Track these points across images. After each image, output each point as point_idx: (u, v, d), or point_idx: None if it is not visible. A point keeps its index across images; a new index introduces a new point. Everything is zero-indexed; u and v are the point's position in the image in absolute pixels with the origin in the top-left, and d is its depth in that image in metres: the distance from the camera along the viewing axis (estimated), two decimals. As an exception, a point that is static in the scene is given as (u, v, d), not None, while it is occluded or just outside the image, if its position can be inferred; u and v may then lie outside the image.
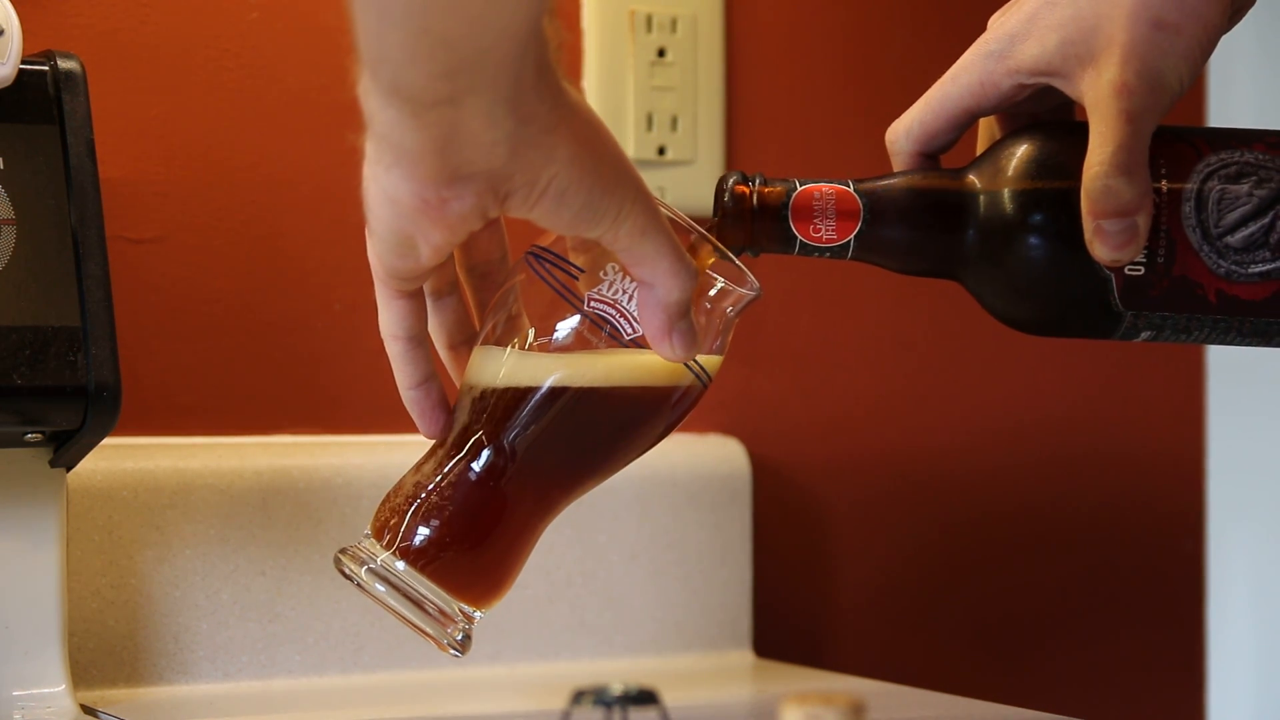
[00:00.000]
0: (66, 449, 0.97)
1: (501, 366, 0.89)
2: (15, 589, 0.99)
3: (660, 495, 1.19)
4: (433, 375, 0.89)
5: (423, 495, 0.89)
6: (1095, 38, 0.84)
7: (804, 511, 1.30)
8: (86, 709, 1.00)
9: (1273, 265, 0.86)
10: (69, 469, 1.00)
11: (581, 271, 0.86)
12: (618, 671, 1.11)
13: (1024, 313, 0.89)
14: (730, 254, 0.86)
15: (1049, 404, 1.40)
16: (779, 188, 0.87)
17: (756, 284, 0.87)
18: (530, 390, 0.88)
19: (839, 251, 0.88)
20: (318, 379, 1.15)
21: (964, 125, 0.90)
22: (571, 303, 0.86)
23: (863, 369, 1.33)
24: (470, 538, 0.90)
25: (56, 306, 0.94)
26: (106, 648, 1.06)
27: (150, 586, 1.07)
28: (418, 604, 0.88)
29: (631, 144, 1.24)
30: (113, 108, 1.09)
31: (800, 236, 0.87)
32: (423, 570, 0.89)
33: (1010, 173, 0.87)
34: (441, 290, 0.88)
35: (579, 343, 0.88)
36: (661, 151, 1.25)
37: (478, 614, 0.91)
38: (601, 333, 0.87)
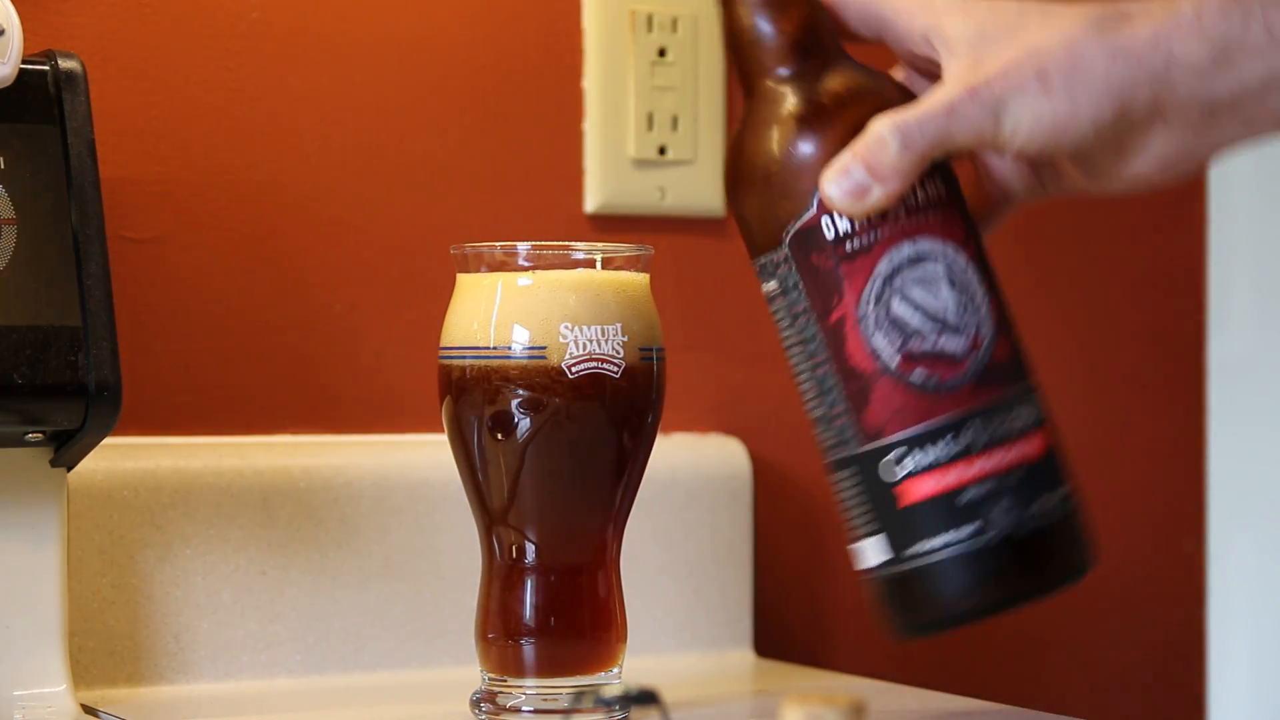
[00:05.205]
0: (67, 449, 0.97)
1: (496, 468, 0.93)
2: (16, 589, 0.99)
3: (660, 495, 1.19)
4: None
5: (501, 612, 0.94)
6: (1003, 38, 0.85)
7: (804, 511, 1.30)
8: (87, 709, 1.00)
9: (894, 345, 0.87)
10: (69, 469, 1.00)
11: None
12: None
13: (733, 182, 0.90)
14: None
15: (1049, 403, 1.40)
16: None
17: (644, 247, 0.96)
18: (516, 458, 0.92)
19: None
20: (318, 379, 1.15)
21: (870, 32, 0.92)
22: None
23: (863, 369, 1.33)
24: (561, 616, 0.94)
25: (57, 306, 0.94)
26: (107, 647, 1.06)
27: (151, 586, 1.07)
28: (570, 710, 0.91)
29: (632, 144, 1.24)
30: (113, 108, 1.09)
31: None
32: (551, 673, 0.93)
33: (832, 84, 0.89)
34: None
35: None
36: (662, 151, 1.25)
37: (616, 669, 0.95)
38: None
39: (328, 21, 1.16)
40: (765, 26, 0.89)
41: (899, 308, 0.86)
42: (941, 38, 0.87)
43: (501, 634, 0.94)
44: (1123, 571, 1.43)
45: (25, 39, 0.94)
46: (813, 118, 0.88)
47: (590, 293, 0.92)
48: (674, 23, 1.25)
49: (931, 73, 0.89)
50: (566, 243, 0.94)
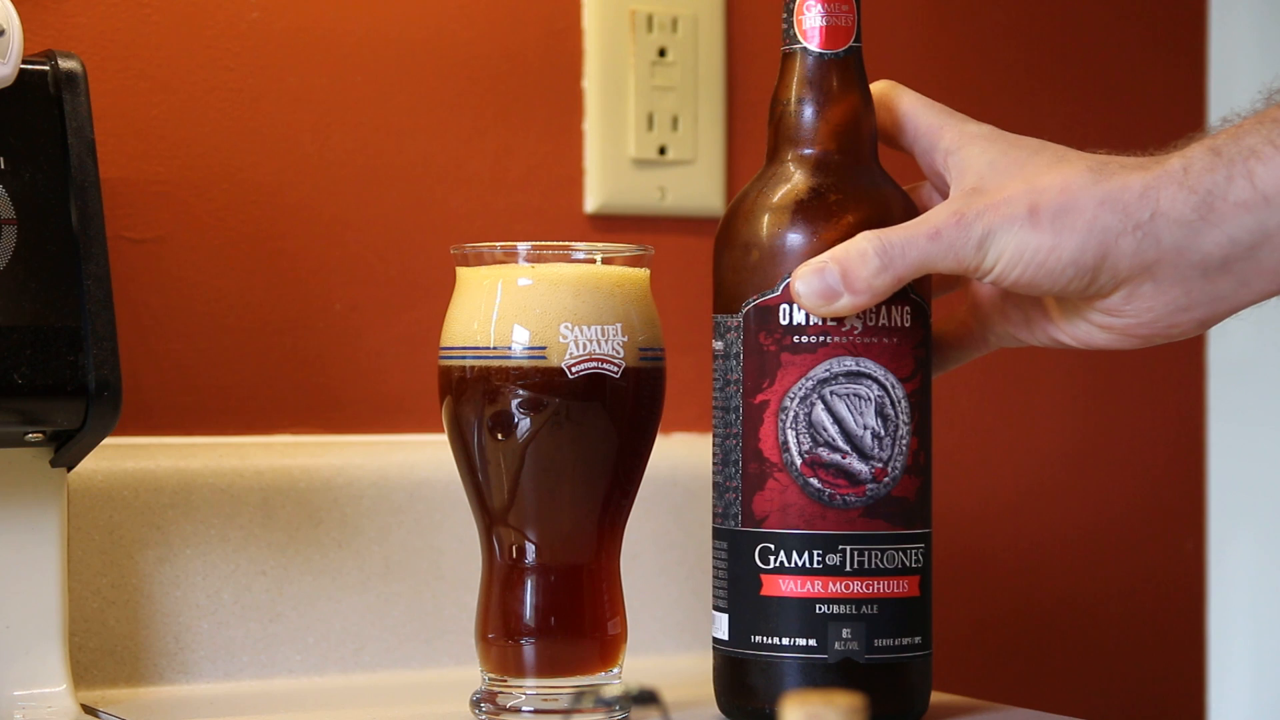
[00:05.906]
0: (67, 449, 0.97)
1: (492, 459, 0.93)
2: (16, 589, 0.99)
3: (660, 495, 1.19)
4: None
5: (501, 612, 0.94)
6: (1010, 173, 0.87)
7: (804, 511, 1.30)
8: (87, 709, 1.00)
9: (802, 447, 0.89)
10: (70, 469, 1.00)
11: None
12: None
13: (723, 235, 0.92)
14: None
15: (1050, 403, 1.40)
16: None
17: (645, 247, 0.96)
18: (516, 458, 0.92)
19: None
20: (318, 379, 1.15)
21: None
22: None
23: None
24: (561, 616, 0.94)
25: (57, 306, 0.94)
26: (107, 647, 1.06)
27: (151, 586, 1.07)
28: (570, 710, 0.91)
29: (632, 144, 1.24)
30: (113, 108, 1.09)
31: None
32: (552, 673, 0.93)
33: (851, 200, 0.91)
34: None
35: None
36: (662, 151, 1.25)
37: (616, 669, 0.95)
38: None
39: (328, 21, 1.16)
40: (810, 108, 0.90)
41: (820, 414, 0.88)
42: (958, 161, 0.89)
43: (501, 634, 0.94)
44: (1123, 571, 1.43)
45: (25, 39, 0.94)
46: (811, 209, 0.89)
47: (590, 293, 0.92)
48: (674, 23, 1.25)
49: (945, 192, 0.90)
50: (566, 243, 0.94)
